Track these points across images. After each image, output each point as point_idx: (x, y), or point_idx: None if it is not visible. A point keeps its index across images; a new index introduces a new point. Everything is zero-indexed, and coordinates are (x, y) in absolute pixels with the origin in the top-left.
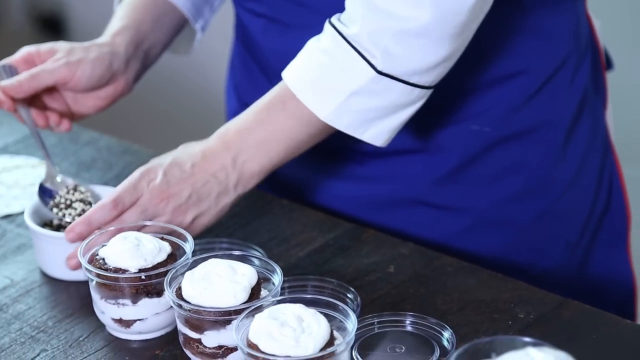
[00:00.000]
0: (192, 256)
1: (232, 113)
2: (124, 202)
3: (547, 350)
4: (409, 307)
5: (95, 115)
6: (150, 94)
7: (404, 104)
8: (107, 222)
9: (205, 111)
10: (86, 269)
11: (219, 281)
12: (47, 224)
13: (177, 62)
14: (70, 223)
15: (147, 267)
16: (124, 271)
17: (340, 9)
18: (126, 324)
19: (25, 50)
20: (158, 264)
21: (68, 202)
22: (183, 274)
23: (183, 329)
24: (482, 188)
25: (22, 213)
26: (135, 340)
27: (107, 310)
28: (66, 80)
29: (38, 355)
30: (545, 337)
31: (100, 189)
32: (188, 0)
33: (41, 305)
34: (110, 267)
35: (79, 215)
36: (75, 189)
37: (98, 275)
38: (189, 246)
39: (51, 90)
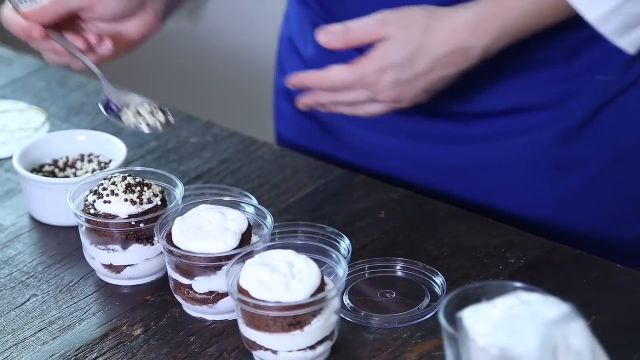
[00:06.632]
0: (183, 202)
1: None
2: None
3: (538, 295)
4: (400, 253)
5: None
6: None
7: None
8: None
9: (200, 54)
10: (76, 214)
11: (209, 227)
12: (36, 170)
13: None
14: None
15: (137, 212)
16: (114, 217)
17: None
18: (116, 269)
19: None
20: (148, 209)
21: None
22: (173, 220)
23: (174, 275)
24: (606, 141)
25: (11, 158)
26: (125, 286)
27: (97, 256)
28: (93, 3)
29: (28, 300)
30: (536, 282)
31: (90, 134)
32: None
33: (31, 250)
34: (101, 213)
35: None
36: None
37: (88, 221)
38: (179, 192)
39: (71, 24)
